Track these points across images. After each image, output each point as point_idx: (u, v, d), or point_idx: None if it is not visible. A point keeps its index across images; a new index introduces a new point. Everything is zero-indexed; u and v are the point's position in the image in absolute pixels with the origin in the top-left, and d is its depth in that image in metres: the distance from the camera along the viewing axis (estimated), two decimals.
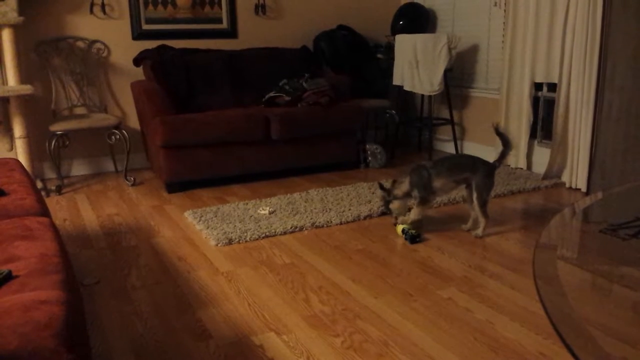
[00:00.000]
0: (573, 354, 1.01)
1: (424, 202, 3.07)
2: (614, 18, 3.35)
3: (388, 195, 3.17)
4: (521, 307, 2.32)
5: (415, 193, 3.07)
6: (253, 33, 5.10)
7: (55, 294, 1.40)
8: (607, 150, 3.49)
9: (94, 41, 4.54)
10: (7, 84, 3.96)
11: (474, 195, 3.03)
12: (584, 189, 3.89)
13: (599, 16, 3.65)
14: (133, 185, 4.32)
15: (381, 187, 3.20)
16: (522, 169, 4.48)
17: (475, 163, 3.05)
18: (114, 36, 4.60)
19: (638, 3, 3.21)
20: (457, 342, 2.06)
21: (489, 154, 4.77)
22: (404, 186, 3.10)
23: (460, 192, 3.31)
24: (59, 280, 1.49)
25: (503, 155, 3.09)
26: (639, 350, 1.09)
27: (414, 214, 3.09)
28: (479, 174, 3.01)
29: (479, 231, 3.08)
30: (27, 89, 3.85)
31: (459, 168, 3.06)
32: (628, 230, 1.63)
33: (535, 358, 1.95)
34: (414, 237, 3.02)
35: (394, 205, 3.16)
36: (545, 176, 4.14)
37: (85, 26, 4.50)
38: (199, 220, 3.36)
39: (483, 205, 3.03)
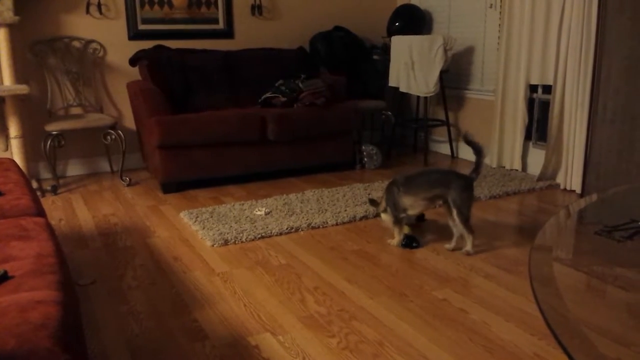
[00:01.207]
0: (568, 355, 1.02)
1: (396, 221, 2.97)
2: (609, 20, 3.37)
3: (377, 210, 3.12)
4: (516, 308, 2.32)
5: (388, 211, 2.98)
6: (249, 33, 5.10)
7: (51, 294, 1.40)
8: (601, 152, 3.50)
9: (90, 41, 4.54)
10: (2, 83, 3.95)
11: (454, 212, 2.82)
12: (578, 191, 3.90)
13: (594, 18, 3.67)
14: (129, 185, 4.32)
15: (371, 202, 3.11)
16: (517, 170, 4.50)
17: (448, 177, 2.84)
18: (110, 36, 4.60)
19: (633, 5, 3.23)
20: (452, 343, 2.06)
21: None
22: (382, 202, 3.03)
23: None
24: (55, 281, 1.49)
25: (478, 165, 2.87)
26: (633, 351, 1.09)
27: (395, 238, 3.01)
28: (454, 189, 2.80)
29: (469, 248, 2.87)
30: (22, 88, 3.83)
31: (430, 185, 2.86)
32: (623, 232, 1.64)
33: (530, 359, 1.96)
34: (407, 244, 2.99)
35: (382, 218, 3.08)
36: (540, 178, 4.15)
37: (81, 26, 4.49)
38: (195, 221, 3.35)
39: (465, 221, 2.83)
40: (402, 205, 2.93)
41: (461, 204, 2.81)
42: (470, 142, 2.89)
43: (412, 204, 2.91)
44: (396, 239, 3.02)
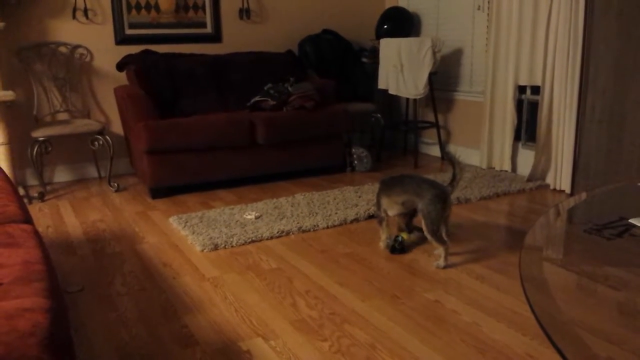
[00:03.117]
0: (562, 355, 1.02)
1: (378, 222, 2.99)
2: (596, 21, 3.40)
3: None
4: (508, 308, 2.33)
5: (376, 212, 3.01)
6: (237, 37, 5.09)
7: (39, 301, 1.38)
8: (590, 152, 3.52)
9: (77, 46, 4.51)
10: None
11: (422, 223, 2.74)
12: (568, 191, 3.92)
13: (581, 20, 3.70)
14: (117, 191, 4.29)
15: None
16: (506, 171, 4.52)
17: (422, 186, 2.74)
18: (96, 41, 4.57)
19: (619, 6, 3.25)
20: (445, 344, 2.06)
21: (474, 156, 4.80)
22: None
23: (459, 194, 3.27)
24: (43, 288, 1.47)
25: (454, 178, 2.78)
26: (625, 350, 1.09)
27: (382, 237, 3.00)
28: (424, 198, 2.71)
29: (441, 261, 2.75)
30: (8, 94, 3.80)
31: (403, 189, 2.81)
32: (612, 230, 1.65)
33: (522, 359, 1.96)
34: (393, 247, 2.95)
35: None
36: (530, 178, 4.17)
37: (67, 31, 4.46)
38: (184, 226, 3.33)
39: (433, 233, 2.70)
40: (382, 205, 2.94)
41: (428, 214, 2.70)
42: (447, 154, 2.84)
43: (388, 205, 2.91)
44: (381, 239, 3.01)
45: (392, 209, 2.91)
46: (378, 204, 2.98)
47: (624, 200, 2.05)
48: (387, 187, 2.92)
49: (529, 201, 3.81)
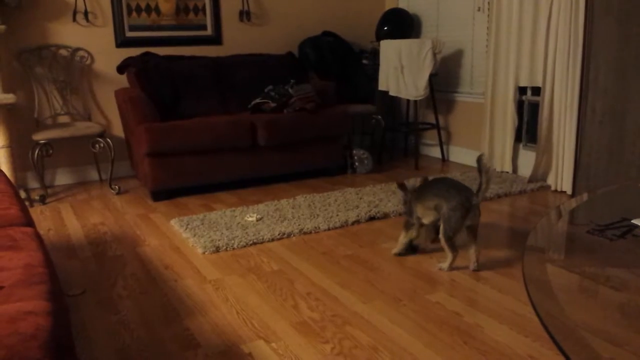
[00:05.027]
0: (566, 356, 1.01)
1: (406, 226, 2.91)
2: (596, 22, 3.39)
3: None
4: (510, 310, 2.32)
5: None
6: (238, 39, 5.09)
7: (41, 304, 1.38)
8: (591, 153, 3.52)
9: (77, 49, 4.51)
10: None
11: (440, 225, 2.69)
12: (569, 192, 3.92)
13: (581, 20, 3.69)
14: (118, 193, 4.28)
15: (400, 187, 2.95)
16: (507, 172, 4.51)
17: (449, 190, 2.69)
18: (97, 44, 4.57)
19: (619, 7, 3.25)
20: (447, 346, 2.06)
21: (474, 157, 4.80)
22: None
23: None
24: (45, 291, 1.47)
25: (479, 188, 2.67)
26: (627, 351, 1.09)
27: (400, 241, 2.93)
28: (448, 203, 2.66)
29: (445, 265, 2.73)
30: (9, 97, 3.80)
31: (433, 194, 2.75)
32: (615, 231, 1.65)
33: None
34: (413, 247, 2.93)
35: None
36: (531, 179, 4.17)
37: (68, 34, 4.47)
38: (186, 228, 3.33)
39: (447, 239, 2.67)
40: (416, 213, 2.83)
41: (448, 219, 2.65)
42: (479, 161, 2.70)
43: (422, 213, 2.81)
44: (398, 240, 2.94)
45: (427, 216, 2.80)
46: (410, 211, 2.87)
47: (626, 201, 2.05)
48: (418, 193, 2.83)
49: (530, 202, 3.80)
